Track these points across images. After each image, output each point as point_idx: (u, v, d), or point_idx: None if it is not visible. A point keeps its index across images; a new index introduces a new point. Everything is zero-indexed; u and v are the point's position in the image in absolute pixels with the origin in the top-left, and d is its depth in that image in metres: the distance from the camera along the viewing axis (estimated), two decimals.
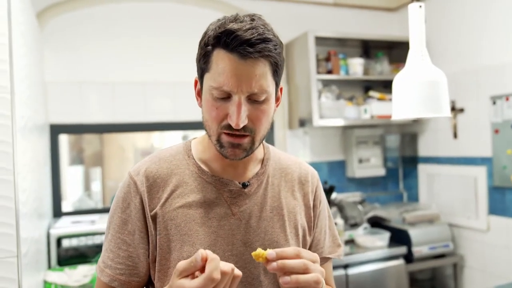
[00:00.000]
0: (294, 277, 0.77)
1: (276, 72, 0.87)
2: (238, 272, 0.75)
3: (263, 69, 0.83)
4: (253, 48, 0.80)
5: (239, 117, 0.82)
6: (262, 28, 0.82)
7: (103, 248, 0.95)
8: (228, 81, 0.81)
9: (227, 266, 0.73)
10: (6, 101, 1.28)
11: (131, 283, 0.92)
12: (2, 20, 1.28)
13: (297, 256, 0.79)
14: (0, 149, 1.27)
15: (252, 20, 0.84)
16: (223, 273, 0.71)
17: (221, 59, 0.82)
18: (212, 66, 0.84)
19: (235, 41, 0.80)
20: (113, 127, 2.79)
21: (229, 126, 0.84)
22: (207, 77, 0.86)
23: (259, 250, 0.79)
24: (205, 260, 0.71)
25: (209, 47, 0.84)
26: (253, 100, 0.84)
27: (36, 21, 2.35)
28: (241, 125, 0.83)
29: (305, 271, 0.78)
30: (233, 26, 0.81)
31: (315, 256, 0.82)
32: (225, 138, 0.86)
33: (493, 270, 2.77)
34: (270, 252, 0.78)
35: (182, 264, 0.73)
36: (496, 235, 2.75)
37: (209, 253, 0.72)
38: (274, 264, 0.77)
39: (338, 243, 1.09)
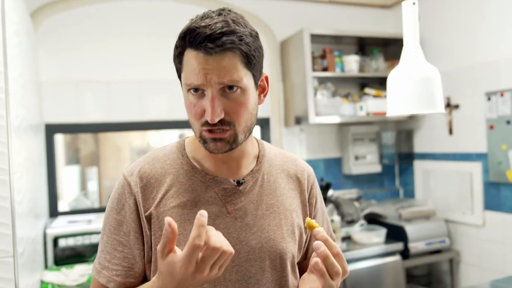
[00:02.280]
0: (322, 270, 0.81)
1: (250, 63, 0.85)
2: (230, 249, 0.74)
3: (231, 61, 0.82)
4: (214, 43, 0.80)
5: (213, 111, 0.82)
6: (225, 22, 0.82)
7: (99, 249, 0.95)
8: (198, 78, 0.82)
9: (219, 243, 0.72)
10: (0, 101, 1.27)
11: (126, 284, 0.91)
12: None
13: (336, 256, 0.83)
14: None
15: (219, 15, 0.84)
16: (214, 249, 0.71)
17: (189, 58, 0.83)
18: (184, 65, 0.86)
19: (197, 39, 0.81)
20: (109, 126, 2.78)
21: (207, 122, 0.84)
22: (182, 76, 0.87)
23: (314, 222, 0.85)
24: (171, 226, 0.71)
25: (179, 48, 0.86)
26: (228, 93, 0.84)
27: (30, 21, 2.34)
28: (216, 119, 0.82)
29: (333, 275, 0.82)
30: (197, 23, 0.82)
31: (346, 272, 0.86)
32: (206, 135, 0.87)
33: (489, 265, 2.79)
34: (319, 230, 0.83)
35: (159, 245, 0.74)
36: (491, 231, 2.76)
37: (197, 220, 0.71)
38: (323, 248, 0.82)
39: (333, 239, 1.09)
